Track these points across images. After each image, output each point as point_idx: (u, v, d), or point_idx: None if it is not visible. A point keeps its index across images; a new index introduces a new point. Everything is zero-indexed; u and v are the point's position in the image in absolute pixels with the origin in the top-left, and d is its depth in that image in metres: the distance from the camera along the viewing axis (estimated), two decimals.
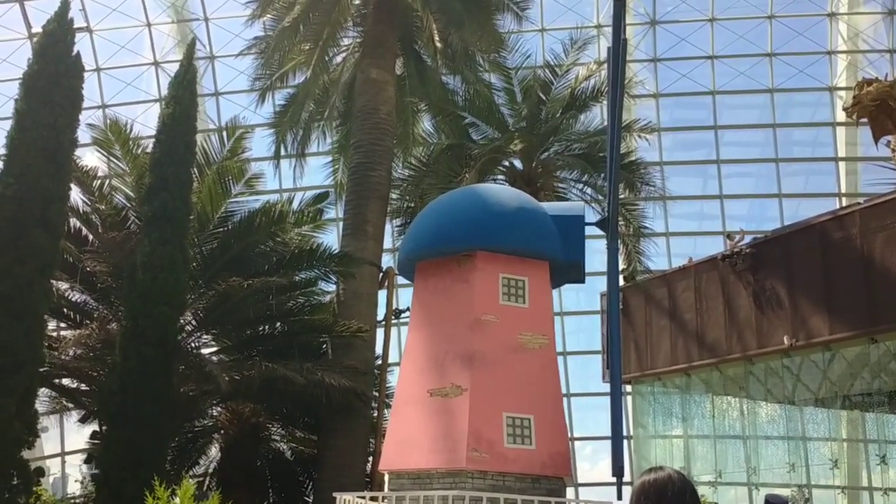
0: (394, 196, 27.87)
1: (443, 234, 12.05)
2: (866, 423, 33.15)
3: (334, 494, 12.38)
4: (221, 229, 22.91)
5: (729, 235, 27.53)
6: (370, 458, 24.08)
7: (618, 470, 11.95)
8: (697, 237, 40.67)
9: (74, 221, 20.93)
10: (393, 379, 29.58)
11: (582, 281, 13.14)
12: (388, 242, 29.54)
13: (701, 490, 34.57)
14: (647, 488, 3.24)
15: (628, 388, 34.54)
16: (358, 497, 12.22)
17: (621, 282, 31.78)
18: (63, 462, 36.46)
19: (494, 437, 11.14)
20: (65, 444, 36.13)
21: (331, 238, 31.39)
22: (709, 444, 35.07)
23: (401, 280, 29.10)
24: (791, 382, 29.43)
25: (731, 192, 40.02)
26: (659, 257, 33.88)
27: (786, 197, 39.30)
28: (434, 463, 11.23)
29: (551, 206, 12.91)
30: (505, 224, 11.99)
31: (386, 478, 12.01)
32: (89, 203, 21.64)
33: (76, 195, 20.69)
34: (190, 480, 26.38)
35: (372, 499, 12.19)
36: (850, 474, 35.14)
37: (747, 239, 25.86)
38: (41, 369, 16.10)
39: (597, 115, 30.37)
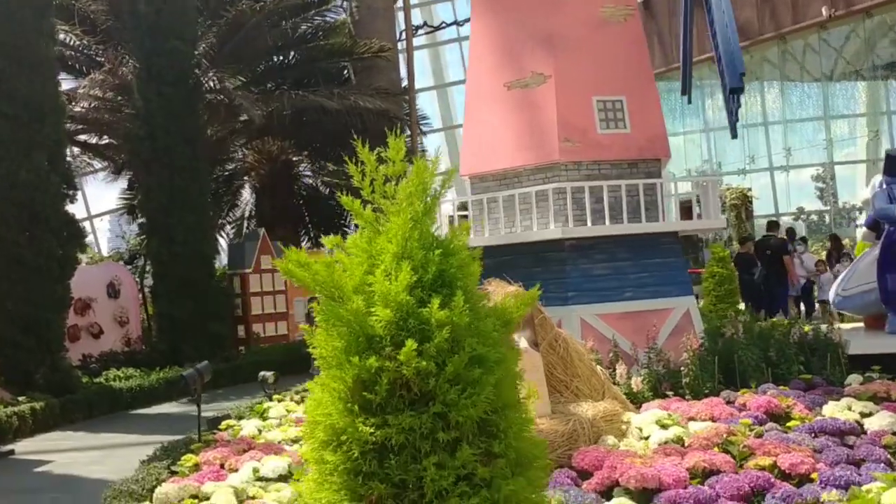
0: None
1: None
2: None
3: None
4: None
5: None
6: None
7: None
8: None
9: None
10: (421, 101, 28.46)
11: None
12: None
13: (727, 179, 34.50)
14: None
15: None
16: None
17: None
18: (92, 225, 36.27)
19: (586, 124, 10.16)
20: (90, 208, 35.73)
21: None
22: (738, 132, 34.57)
23: None
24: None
25: None
26: None
27: None
28: (522, 160, 10.35)
29: None
30: None
31: (468, 183, 11.19)
32: None
33: None
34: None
35: (461, 205, 11.50)
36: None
37: None
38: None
39: None
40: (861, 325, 11.87)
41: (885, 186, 9.85)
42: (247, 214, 26.58)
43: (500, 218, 10.44)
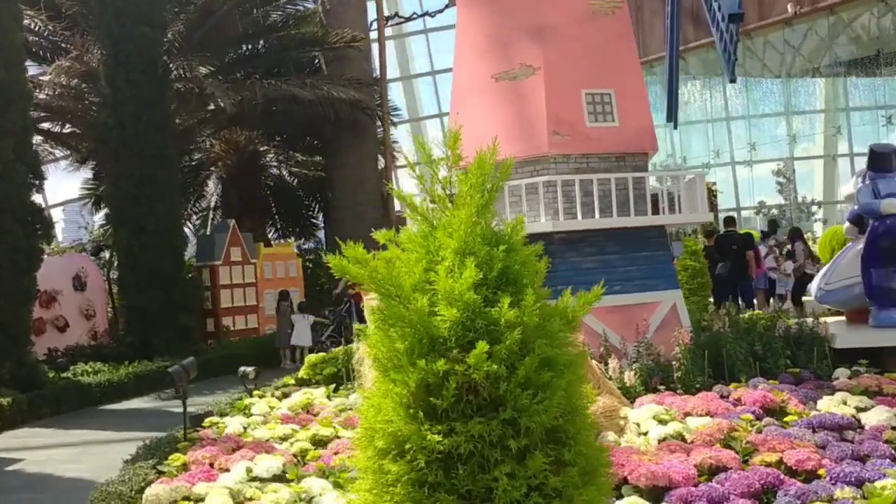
0: None
1: None
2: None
3: None
4: None
5: None
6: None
7: None
8: None
9: None
10: (391, 92, 28.12)
11: None
12: None
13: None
14: None
15: None
16: None
17: None
18: (49, 215, 35.33)
19: (575, 117, 10.05)
20: (47, 198, 34.81)
21: None
22: (701, 128, 34.86)
23: None
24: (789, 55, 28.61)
25: None
26: None
27: None
28: (511, 152, 10.12)
29: None
30: None
31: None
32: None
33: None
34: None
35: None
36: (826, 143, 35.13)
37: None
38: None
39: None
40: (837, 317, 11.95)
41: (868, 181, 9.90)
42: (213, 205, 26.14)
43: None
